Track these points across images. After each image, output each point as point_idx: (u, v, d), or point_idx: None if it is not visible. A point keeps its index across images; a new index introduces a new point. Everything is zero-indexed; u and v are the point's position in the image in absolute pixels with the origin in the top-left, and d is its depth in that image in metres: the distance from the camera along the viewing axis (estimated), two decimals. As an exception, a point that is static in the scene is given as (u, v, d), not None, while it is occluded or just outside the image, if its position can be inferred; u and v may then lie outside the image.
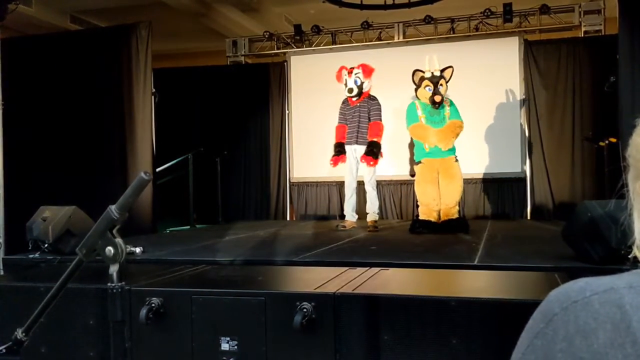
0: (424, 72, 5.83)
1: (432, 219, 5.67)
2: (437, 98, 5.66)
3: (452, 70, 5.79)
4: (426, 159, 5.79)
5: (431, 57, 5.89)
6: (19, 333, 1.36)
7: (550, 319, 0.62)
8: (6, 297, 3.08)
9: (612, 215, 2.98)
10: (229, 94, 8.74)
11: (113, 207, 1.24)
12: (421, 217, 5.77)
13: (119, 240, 1.25)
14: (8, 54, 5.94)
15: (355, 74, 6.03)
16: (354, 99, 6.08)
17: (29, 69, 6.89)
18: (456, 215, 5.72)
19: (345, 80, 6.09)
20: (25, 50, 6.94)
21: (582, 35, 7.78)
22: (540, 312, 0.64)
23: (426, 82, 5.75)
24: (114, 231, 1.25)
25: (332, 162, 6.15)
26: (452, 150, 5.72)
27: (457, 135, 5.70)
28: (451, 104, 5.80)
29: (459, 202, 5.83)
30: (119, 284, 1.28)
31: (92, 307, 2.86)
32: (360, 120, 6.05)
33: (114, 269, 1.28)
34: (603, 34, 7.64)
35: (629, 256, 0.71)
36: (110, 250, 1.24)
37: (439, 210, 5.69)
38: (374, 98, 6.12)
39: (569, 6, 8.05)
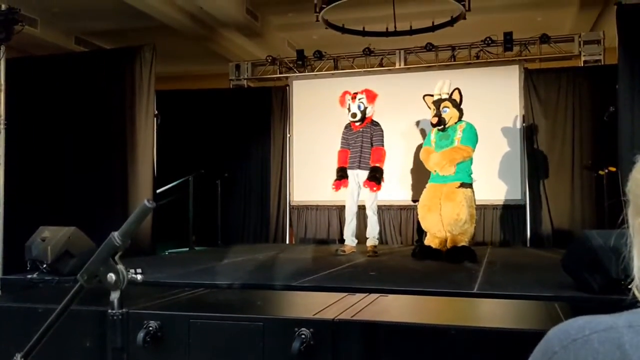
0: (432, 95, 5.86)
1: (434, 246, 5.63)
2: (434, 120, 5.68)
3: (460, 92, 5.74)
4: (431, 184, 5.77)
5: (444, 82, 5.88)
6: (18, 358, 1.36)
7: (549, 357, 0.62)
8: (3, 318, 3.06)
9: (613, 245, 2.98)
10: (230, 116, 8.79)
11: (116, 234, 1.24)
12: (425, 242, 5.74)
13: (120, 267, 1.25)
14: (13, 74, 6.00)
15: (359, 99, 6.07)
16: (357, 124, 6.11)
17: (33, 89, 6.95)
18: (462, 243, 5.50)
19: (349, 105, 6.12)
20: (29, 71, 7.00)
21: (582, 65, 7.85)
22: (540, 350, 0.64)
23: (432, 105, 5.79)
24: (116, 258, 1.25)
25: (334, 186, 6.16)
26: (458, 176, 5.56)
27: (455, 160, 5.54)
28: (467, 129, 5.65)
29: (465, 231, 5.54)
30: (120, 311, 1.28)
31: (89, 329, 2.84)
32: (362, 146, 6.07)
33: (115, 296, 1.28)
34: (603, 63, 7.71)
35: (628, 296, 0.72)
36: (112, 277, 1.24)
37: (443, 237, 5.63)
38: (376, 123, 6.14)
39: (569, 36, 8.14)
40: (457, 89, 5.75)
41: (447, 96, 5.73)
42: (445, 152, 5.60)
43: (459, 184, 5.56)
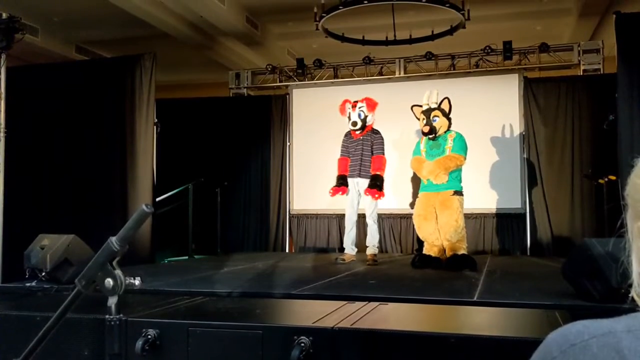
0: (421, 105, 5.87)
1: (433, 254, 5.62)
2: (425, 129, 5.67)
3: (449, 101, 5.74)
4: (423, 192, 5.76)
5: (431, 91, 5.90)
6: (15, 364, 1.35)
7: (548, 362, 0.62)
8: (1, 326, 3.05)
9: (612, 253, 2.98)
10: (230, 125, 8.80)
11: (113, 239, 1.24)
12: (424, 251, 5.74)
13: (118, 272, 1.25)
14: (13, 82, 6.01)
15: (359, 107, 6.07)
16: (357, 132, 6.11)
17: (33, 97, 6.96)
18: (462, 251, 5.52)
19: (349, 113, 6.12)
20: (30, 79, 7.02)
21: (581, 74, 7.87)
22: (539, 355, 0.64)
23: (422, 115, 5.79)
24: (114, 263, 1.24)
25: (331, 191, 6.15)
26: (450, 184, 5.58)
27: (449, 168, 5.54)
28: (458, 137, 5.67)
29: (463, 237, 5.59)
30: (117, 317, 1.27)
31: (87, 337, 2.83)
32: (363, 154, 6.07)
33: (112, 301, 1.27)
34: (602, 72, 7.73)
35: (627, 298, 0.71)
36: (109, 282, 1.24)
37: (440, 245, 5.62)
38: (377, 132, 6.14)
39: (568, 45, 8.17)
40: (447, 98, 5.75)
41: (436, 105, 5.74)
42: (439, 161, 5.60)
43: (452, 192, 5.57)
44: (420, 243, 7.81)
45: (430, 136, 5.71)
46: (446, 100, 5.73)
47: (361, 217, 6.32)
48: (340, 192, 6.11)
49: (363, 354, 2.55)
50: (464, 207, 5.69)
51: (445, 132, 5.71)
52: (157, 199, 7.05)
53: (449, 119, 5.74)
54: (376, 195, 5.92)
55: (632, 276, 0.70)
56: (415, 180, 7.75)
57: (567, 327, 0.64)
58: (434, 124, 5.66)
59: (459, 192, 5.62)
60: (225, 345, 2.68)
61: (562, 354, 0.61)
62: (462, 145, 5.65)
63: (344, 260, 6.01)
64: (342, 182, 6.13)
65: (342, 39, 7.40)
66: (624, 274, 0.73)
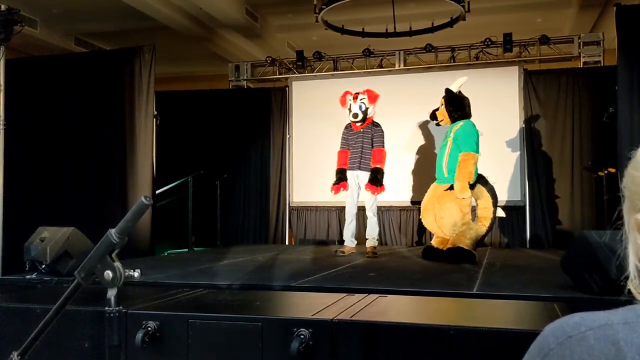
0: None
1: (435, 245, 5.64)
2: (428, 114, 5.90)
3: (448, 94, 5.71)
4: (434, 183, 5.77)
5: (460, 79, 5.86)
6: (15, 356, 1.36)
7: (545, 354, 0.62)
8: (1, 318, 3.06)
9: (611, 245, 2.98)
10: (230, 117, 8.79)
11: (113, 231, 1.24)
12: (432, 242, 5.78)
13: (117, 264, 1.25)
14: (12, 75, 6.00)
15: (360, 99, 6.04)
16: (358, 124, 6.09)
17: (32, 89, 6.95)
18: (462, 245, 5.26)
19: (350, 105, 6.10)
20: (29, 71, 7.01)
21: (582, 66, 7.85)
22: (536, 347, 0.64)
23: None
24: (113, 255, 1.25)
25: (333, 190, 6.14)
26: (451, 177, 5.44)
27: (468, 175, 5.31)
28: (460, 130, 5.49)
29: (465, 232, 5.34)
30: (117, 308, 1.28)
31: (87, 330, 2.84)
32: (363, 146, 6.05)
33: (112, 293, 1.28)
34: (602, 65, 7.72)
35: (625, 291, 0.72)
36: (109, 274, 1.24)
37: (442, 236, 5.61)
38: (377, 124, 6.12)
39: (569, 37, 8.15)
40: (446, 90, 5.74)
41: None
42: (457, 176, 5.36)
43: (449, 186, 5.45)
44: (420, 236, 7.85)
45: (434, 122, 5.81)
46: (447, 94, 5.74)
47: (361, 210, 6.32)
48: (342, 188, 6.11)
49: (362, 346, 2.56)
50: (470, 201, 5.49)
51: (452, 122, 5.67)
52: (157, 192, 7.06)
53: (449, 111, 5.70)
54: (376, 192, 5.91)
55: (628, 268, 0.71)
56: (416, 173, 7.78)
57: (564, 319, 0.65)
58: (437, 112, 5.72)
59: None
60: (225, 337, 2.69)
61: (559, 345, 0.62)
62: (466, 139, 5.41)
63: (343, 252, 6.02)
64: (341, 177, 6.12)
65: (342, 31, 7.38)
66: (622, 266, 0.73)
